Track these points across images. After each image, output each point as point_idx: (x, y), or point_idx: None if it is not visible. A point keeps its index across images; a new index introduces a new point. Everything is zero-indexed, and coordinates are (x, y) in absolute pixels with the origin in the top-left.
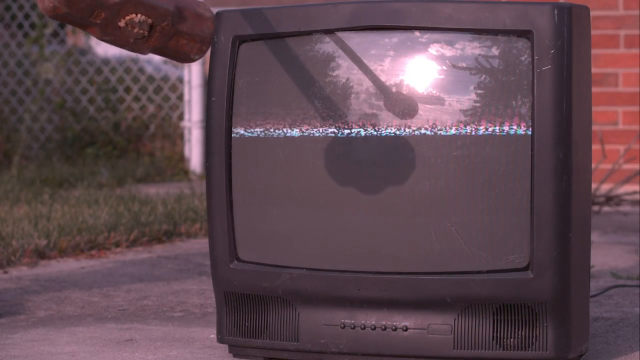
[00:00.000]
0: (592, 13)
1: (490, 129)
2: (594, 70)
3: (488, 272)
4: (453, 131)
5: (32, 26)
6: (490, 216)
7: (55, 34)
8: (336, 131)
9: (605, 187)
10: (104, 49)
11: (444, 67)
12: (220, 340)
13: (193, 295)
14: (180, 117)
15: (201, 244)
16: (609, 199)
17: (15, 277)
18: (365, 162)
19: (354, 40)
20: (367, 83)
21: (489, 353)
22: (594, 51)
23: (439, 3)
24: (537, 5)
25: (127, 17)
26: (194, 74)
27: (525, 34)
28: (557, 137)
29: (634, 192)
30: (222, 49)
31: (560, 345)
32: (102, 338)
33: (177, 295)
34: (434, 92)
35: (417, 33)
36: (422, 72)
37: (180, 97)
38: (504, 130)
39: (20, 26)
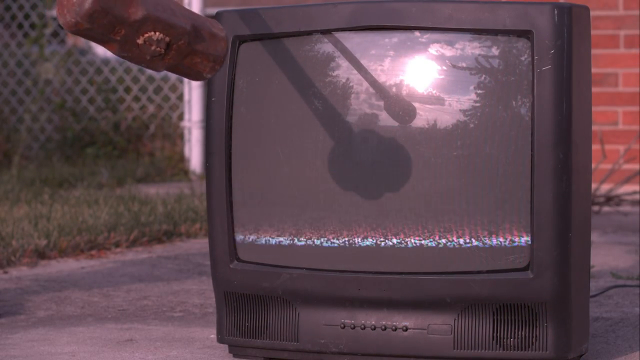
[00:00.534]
0: (592, 13)
1: (490, 129)
2: (594, 70)
3: (488, 272)
4: (453, 131)
5: (32, 26)
6: (490, 216)
7: (55, 34)
8: (336, 131)
9: (605, 187)
10: (104, 49)
11: (444, 67)
12: (220, 340)
13: (193, 295)
14: (180, 117)
15: (201, 244)
16: (609, 199)
17: (15, 277)
18: (365, 162)
19: (354, 40)
20: (367, 83)
21: (489, 353)
22: (594, 51)
23: (439, 3)
24: (537, 5)
25: (146, 35)
26: None
27: (525, 34)
28: (557, 137)
29: (634, 192)
30: None
31: (560, 345)
32: (102, 338)
33: (177, 295)
34: (434, 92)
35: (417, 33)
36: (422, 72)
37: (180, 97)
38: (504, 130)
39: (20, 26)
